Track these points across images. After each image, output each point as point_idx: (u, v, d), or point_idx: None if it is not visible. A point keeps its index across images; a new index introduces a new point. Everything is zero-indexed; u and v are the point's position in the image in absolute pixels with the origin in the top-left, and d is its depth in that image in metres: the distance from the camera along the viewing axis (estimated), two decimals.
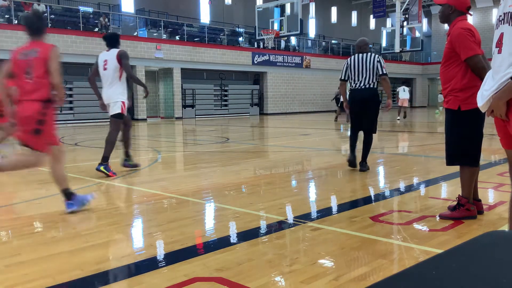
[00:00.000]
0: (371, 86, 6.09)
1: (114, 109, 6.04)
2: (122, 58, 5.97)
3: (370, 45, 36.30)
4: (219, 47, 25.46)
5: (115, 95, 6.01)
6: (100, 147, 10.06)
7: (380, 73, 6.08)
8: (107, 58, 6.07)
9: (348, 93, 6.57)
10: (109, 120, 6.26)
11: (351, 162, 6.31)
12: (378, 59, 6.12)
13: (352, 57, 6.24)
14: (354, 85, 6.20)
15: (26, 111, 3.82)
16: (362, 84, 6.09)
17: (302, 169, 6.90)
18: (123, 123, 6.30)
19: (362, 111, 6.17)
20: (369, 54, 6.17)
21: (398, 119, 19.05)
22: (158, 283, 2.45)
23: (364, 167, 6.23)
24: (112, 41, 6.16)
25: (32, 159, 3.95)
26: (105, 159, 6.05)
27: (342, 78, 6.32)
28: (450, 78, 3.56)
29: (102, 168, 5.99)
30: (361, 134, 6.35)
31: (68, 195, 4.02)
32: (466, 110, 3.48)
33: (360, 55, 6.15)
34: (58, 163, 4.00)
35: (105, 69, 6.05)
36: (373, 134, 6.34)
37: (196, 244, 3.22)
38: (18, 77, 3.89)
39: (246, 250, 2.99)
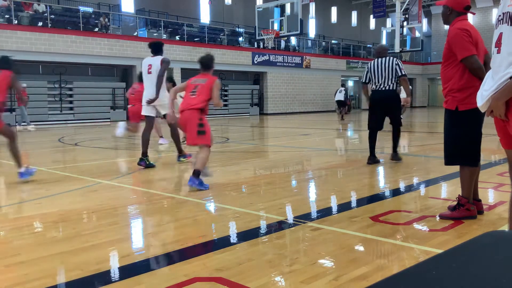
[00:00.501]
0: (391, 87, 6.58)
1: (165, 109, 6.72)
2: (163, 63, 6.67)
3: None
4: (219, 47, 25.45)
5: (161, 98, 6.70)
6: (99, 147, 10.07)
7: (400, 74, 6.56)
8: (152, 63, 6.74)
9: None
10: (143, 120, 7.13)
11: (372, 161, 6.73)
12: (396, 62, 6.59)
13: (372, 61, 6.72)
14: (375, 87, 6.71)
15: (189, 117, 5.20)
16: (382, 86, 6.59)
17: (302, 169, 6.90)
18: (150, 123, 7.06)
19: (383, 110, 6.71)
20: (388, 58, 6.63)
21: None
22: (158, 283, 2.45)
23: (396, 157, 6.83)
24: (157, 48, 6.83)
25: (206, 153, 5.29)
26: (180, 151, 7.23)
27: (364, 81, 6.86)
28: (449, 79, 3.57)
29: (181, 158, 7.21)
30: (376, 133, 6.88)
31: (197, 174, 5.09)
32: (464, 110, 3.49)
33: (380, 59, 6.63)
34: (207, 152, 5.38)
35: (149, 72, 6.73)
36: (400, 127, 6.95)
37: (196, 244, 3.22)
38: (186, 94, 5.37)
39: (246, 250, 2.99)
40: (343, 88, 22.14)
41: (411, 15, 29.34)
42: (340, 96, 21.66)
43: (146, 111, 6.90)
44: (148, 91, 6.76)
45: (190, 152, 7.43)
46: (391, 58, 6.64)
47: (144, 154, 6.77)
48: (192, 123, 5.15)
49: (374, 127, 6.77)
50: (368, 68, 6.72)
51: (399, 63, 6.59)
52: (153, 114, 6.95)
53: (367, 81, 6.79)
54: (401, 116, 20.20)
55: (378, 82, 6.58)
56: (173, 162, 8.06)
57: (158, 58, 6.70)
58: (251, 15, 25.23)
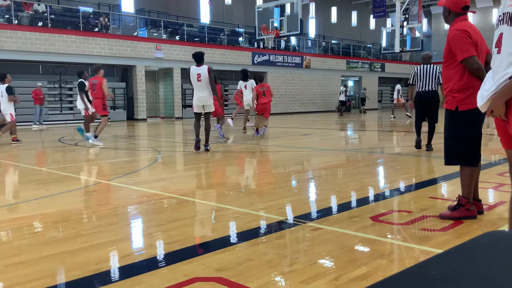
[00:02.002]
0: (433, 89, 7.80)
1: (210, 108, 8.47)
2: (210, 73, 8.31)
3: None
4: (219, 47, 25.45)
5: (209, 99, 8.36)
6: (99, 147, 10.06)
7: (441, 82, 7.67)
8: (200, 72, 8.29)
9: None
10: (203, 116, 8.61)
11: (417, 144, 8.33)
12: (439, 70, 7.61)
13: (418, 66, 8.00)
14: (419, 89, 7.95)
15: (267, 105, 11.52)
16: (426, 87, 7.83)
17: (302, 169, 6.90)
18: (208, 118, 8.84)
19: (426, 107, 7.91)
20: (432, 65, 7.86)
21: (408, 114, 19.94)
22: (158, 283, 2.45)
23: (429, 148, 8.04)
24: (201, 58, 8.36)
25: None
26: (207, 141, 8.63)
27: (410, 83, 8.26)
28: (449, 79, 3.58)
29: (208, 147, 8.60)
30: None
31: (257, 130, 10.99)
32: (464, 110, 3.50)
33: (425, 65, 7.89)
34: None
35: (199, 80, 8.28)
36: (435, 124, 8.09)
37: (196, 244, 3.22)
38: (259, 95, 11.49)
39: (246, 250, 2.99)
40: (345, 89, 25.51)
41: (411, 15, 29.33)
42: (342, 97, 25.56)
43: (197, 109, 8.44)
44: (200, 95, 8.31)
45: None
46: (435, 65, 7.82)
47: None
48: (269, 109, 11.56)
49: (419, 120, 8.28)
50: (414, 72, 8.03)
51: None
52: (202, 111, 8.45)
53: (413, 83, 8.14)
54: (408, 114, 21.03)
55: (423, 84, 7.83)
56: (173, 162, 8.07)
57: (205, 67, 8.27)
58: (251, 15, 25.21)
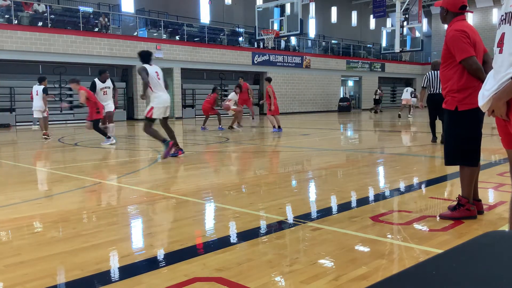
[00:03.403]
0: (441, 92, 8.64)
1: (169, 110, 7.96)
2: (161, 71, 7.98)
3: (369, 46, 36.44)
4: (219, 47, 25.44)
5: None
6: (99, 147, 10.06)
7: None
8: (157, 70, 7.89)
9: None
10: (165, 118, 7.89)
11: (434, 139, 9.47)
12: None
13: (430, 72, 9.19)
14: (431, 92, 9.08)
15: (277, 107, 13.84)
16: (436, 90, 8.90)
17: (302, 169, 6.90)
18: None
19: (437, 108, 8.32)
20: None
21: (409, 116, 21.38)
22: (158, 283, 2.45)
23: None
24: (151, 57, 7.95)
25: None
26: (177, 144, 7.88)
27: (423, 86, 9.54)
28: (448, 79, 3.58)
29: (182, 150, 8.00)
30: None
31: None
32: (463, 110, 3.49)
33: (435, 71, 8.91)
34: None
35: (159, 78, 7.81)
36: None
37: (196, 244, 3.22)
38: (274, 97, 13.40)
39: (246, 250, 2.99)
40: (379, 90, 28.25)
41: (411, 15, 29.32)
42: (376, 96, 28.49)
43: (161, 113, 7.71)
44: (165, 95, 7.77)
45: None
46: None
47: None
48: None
49: (432, 119, 9.42)
50: (427, 76, 9.21)
51: None
52: (163, 115, 7.81)
53: (425, 86, 9.33)
54: (409, 115, 22.52)
55: (434, 88, 8.93)
56: (173, 162, 8.07)
57: (157, 66, 7.94)
58: (251, 15, 25.21)
